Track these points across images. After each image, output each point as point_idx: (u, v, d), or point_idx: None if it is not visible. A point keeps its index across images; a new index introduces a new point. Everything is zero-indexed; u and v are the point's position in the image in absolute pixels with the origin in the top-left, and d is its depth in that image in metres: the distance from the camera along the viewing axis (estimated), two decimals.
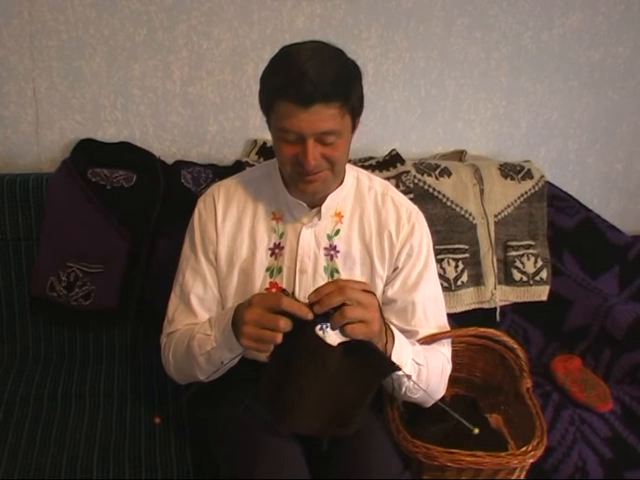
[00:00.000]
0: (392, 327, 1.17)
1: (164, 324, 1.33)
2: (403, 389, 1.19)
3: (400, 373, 1.14)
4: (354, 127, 1.19)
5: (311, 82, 1.05)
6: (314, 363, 1.07)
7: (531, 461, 1.23)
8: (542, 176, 1.99)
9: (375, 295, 1.08)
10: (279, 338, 1.02)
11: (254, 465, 1.14)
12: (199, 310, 1.29)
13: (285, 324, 1.01)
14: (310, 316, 1.02)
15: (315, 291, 1.04)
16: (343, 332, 1.03)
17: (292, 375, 1.08)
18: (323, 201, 1.25)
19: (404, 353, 1.16)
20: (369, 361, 1.08)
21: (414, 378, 1.17)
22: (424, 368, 1.20)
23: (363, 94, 1.17)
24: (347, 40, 1.82)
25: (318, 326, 1.06)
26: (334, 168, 1.17)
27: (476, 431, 1.08)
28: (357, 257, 1.29)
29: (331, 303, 1.01)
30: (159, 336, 1.35)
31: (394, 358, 1.12)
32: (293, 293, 1.21)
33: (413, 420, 1.33)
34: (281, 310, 1.01)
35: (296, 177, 1.18)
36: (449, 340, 1.33)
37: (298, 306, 1.02)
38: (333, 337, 1.09)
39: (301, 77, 1.06)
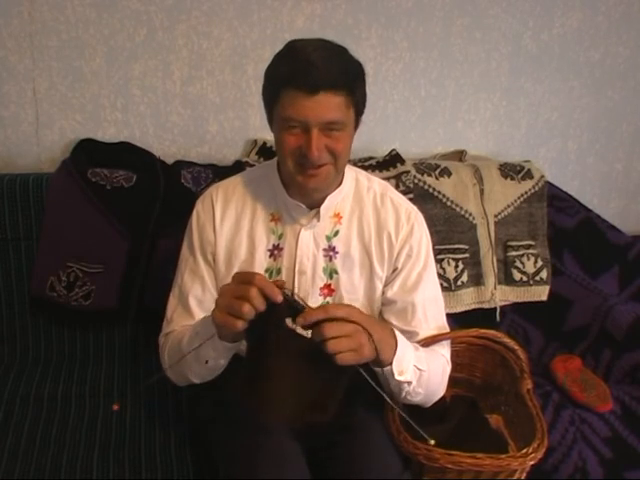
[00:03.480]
0: (397, 333, 1.17)
1: (163, 324, 1.33)
2: (403, 394, 1.19)
3: (401, 379, 1.15)
4: (357, 124, 1.19)
5: (318, 70, 1.06)
6: (287, 353, 1.06)
7: (531, 463, 1.22)
8: (542, 176, 1.99)
9: (359, 321, 1.06)
10: (246, 308, 0.98)
11: (254, 465, 1.14)
12: (197, 311, 1.28)
13: (256, 295, 0.99)
14: (279, 299, 1.00)
15: (305, 315, 1.02)
16: (335, 359, 1.03)
17: (265, 366, 1.06)
18: (322, 202, 1.25)
19: (406, 360, 1.16)
20: None
21: (414, 383, 1.18)
22: (425, 373, 1.20)
23: (366, 94, 1.18)
24: (347, 40, 1.77)
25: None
26: (337, 163, 1.16)
27: (432, 442, 1.08)
28: (356, 258, 1.28)
29: (316, 336, 1.02)
30: (159, 336, 1.35)
31: (395, 365, 1.13)
32: (292, 293, 1.20)
33: (413, 420, 1.33)
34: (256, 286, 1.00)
35: (298, 171, 1.16)
36: (449, 341, 1.33)
37: (270, 286, 1.00)
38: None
39: (308, 65, 1.07)
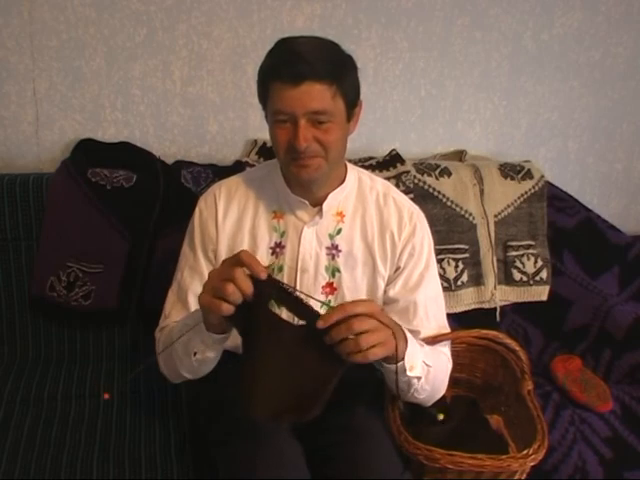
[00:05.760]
0: (404, 329, 1.16)
1: (160, 320, 1.33)
2: (412, 390, 1.19)
3: (411, 374, 1.14)
4: (350, 118, 1.18)
5: (302, 60, 1.08)
6: (269, 340, 1.02)
7: (532, 464, 1.23)
8: (542, 176, 1.99)
9: (381, 314, 1.06)
10: (231, 289, 0.97)
11: (254, 465, 1.14)
12: (195, 308, 1.28)
13: (240, 275, 0.97)
14: (264, 276, 0.98)
15: (325, 317, 1.00)
16: (363, 358, 1.01)
17: (251, 357, 1.03)
18: (324, 200, 1.25)
19: (416, 355, 1.15)
20: (330, 350, 1.03)
21: (423, 379, 1.17)
22: (432, 369, 1.19)
23: (359, 86, 1.18)
24: (347, 40, 1.80)
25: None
26: (328, 155, 1.16)
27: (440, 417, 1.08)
28: (359, 257, 1.29)
29: (340, 336, 0.99)
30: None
31: (407, 360, 1.12)
32: (295, 290, 1.20)
33: (413, 420, 1.33)
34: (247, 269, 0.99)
35: (290, 163, 1.17)
36: (449, 340, 1.33)
37: (255, 262, 0.99)
38: None
39: (292, 57, 1.09)
